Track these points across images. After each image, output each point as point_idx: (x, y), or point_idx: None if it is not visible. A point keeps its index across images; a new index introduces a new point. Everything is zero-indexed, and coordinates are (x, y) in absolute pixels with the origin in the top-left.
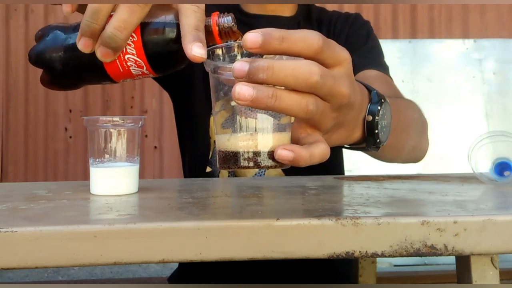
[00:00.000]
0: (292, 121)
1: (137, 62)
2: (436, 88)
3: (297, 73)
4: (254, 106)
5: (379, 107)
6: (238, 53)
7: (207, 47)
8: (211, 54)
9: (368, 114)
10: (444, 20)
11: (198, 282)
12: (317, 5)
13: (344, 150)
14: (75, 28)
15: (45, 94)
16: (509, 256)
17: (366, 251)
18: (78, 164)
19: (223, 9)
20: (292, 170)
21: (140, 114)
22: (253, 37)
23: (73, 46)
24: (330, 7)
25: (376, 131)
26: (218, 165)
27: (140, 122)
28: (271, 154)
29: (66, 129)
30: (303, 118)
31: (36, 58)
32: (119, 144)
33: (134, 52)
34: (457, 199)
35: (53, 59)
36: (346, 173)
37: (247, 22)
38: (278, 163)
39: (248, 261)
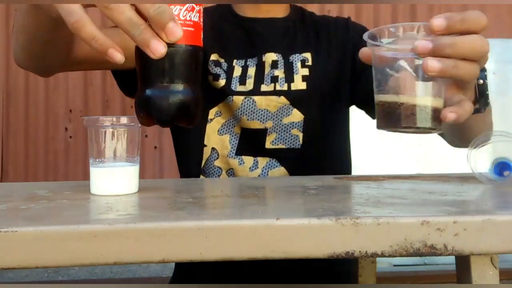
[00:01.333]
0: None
1: (187, 8)
2: None
3: (474, 46)
4: (440, 75)
5: (486, 73)
6: (417, 32)
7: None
8: (375, 36)
9: (479, 79)
10: None
11: (197, 282)
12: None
13: (350, 150)
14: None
15: (45, 94)
16: (509, 256)
17: (366, 251)
18: (78, 164)
19: (218, 13)
20: (296, 171)
21: None
22: (440, 22)
23: (158, 78)
24: (330, 7)
25: (487, 92)
26: (376, 125)
27: None
28: (430, 115)
29: (66, 129)
30: (466, 81)
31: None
32: (119, 144)
33: (179, 7)
34: (456, 199)
35: (171, 106)
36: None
37: (243, 25)
38: (435, 125)
39: (248, 261)
